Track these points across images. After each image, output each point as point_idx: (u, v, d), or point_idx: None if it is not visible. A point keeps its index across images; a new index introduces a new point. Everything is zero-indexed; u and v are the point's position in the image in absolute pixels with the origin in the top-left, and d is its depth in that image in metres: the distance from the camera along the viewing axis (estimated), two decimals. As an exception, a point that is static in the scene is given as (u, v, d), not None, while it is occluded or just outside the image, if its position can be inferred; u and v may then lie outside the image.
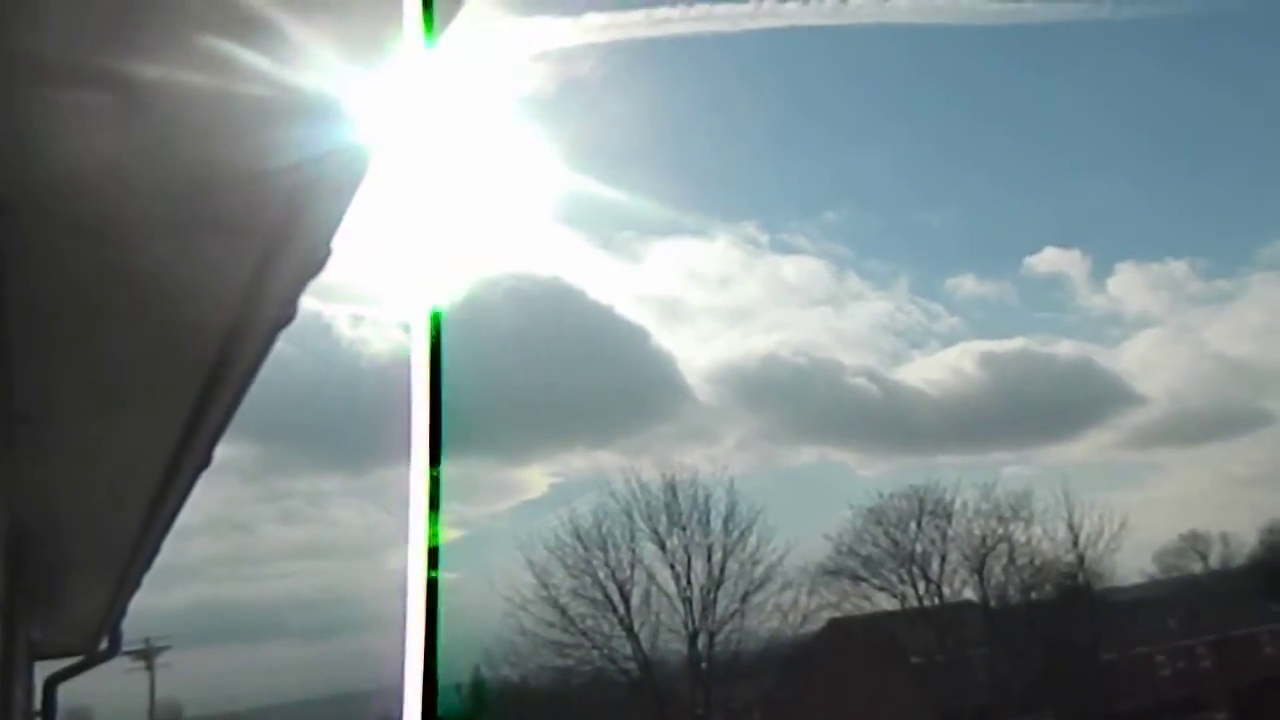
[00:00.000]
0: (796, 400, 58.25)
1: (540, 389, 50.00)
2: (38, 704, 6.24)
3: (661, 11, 54.17)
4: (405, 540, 1.69)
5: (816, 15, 55.72)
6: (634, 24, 56.20)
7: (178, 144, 2.86)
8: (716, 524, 39.65)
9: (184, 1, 2.40)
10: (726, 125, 69.83)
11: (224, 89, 2.61)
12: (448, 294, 1.73)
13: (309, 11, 2.45)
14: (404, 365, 1.66)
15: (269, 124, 2.82)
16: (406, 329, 1.69)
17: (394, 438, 1.73)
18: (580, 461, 65.99)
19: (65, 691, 8.96)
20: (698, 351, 74.75)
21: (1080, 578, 44.93)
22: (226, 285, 3.49)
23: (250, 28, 2.42)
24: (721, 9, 56.45)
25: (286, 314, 3.79)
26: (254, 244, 3.28)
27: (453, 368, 1.70)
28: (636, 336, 59.15)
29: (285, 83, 2.63)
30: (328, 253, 3.47)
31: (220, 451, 4.43)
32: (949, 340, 65.14)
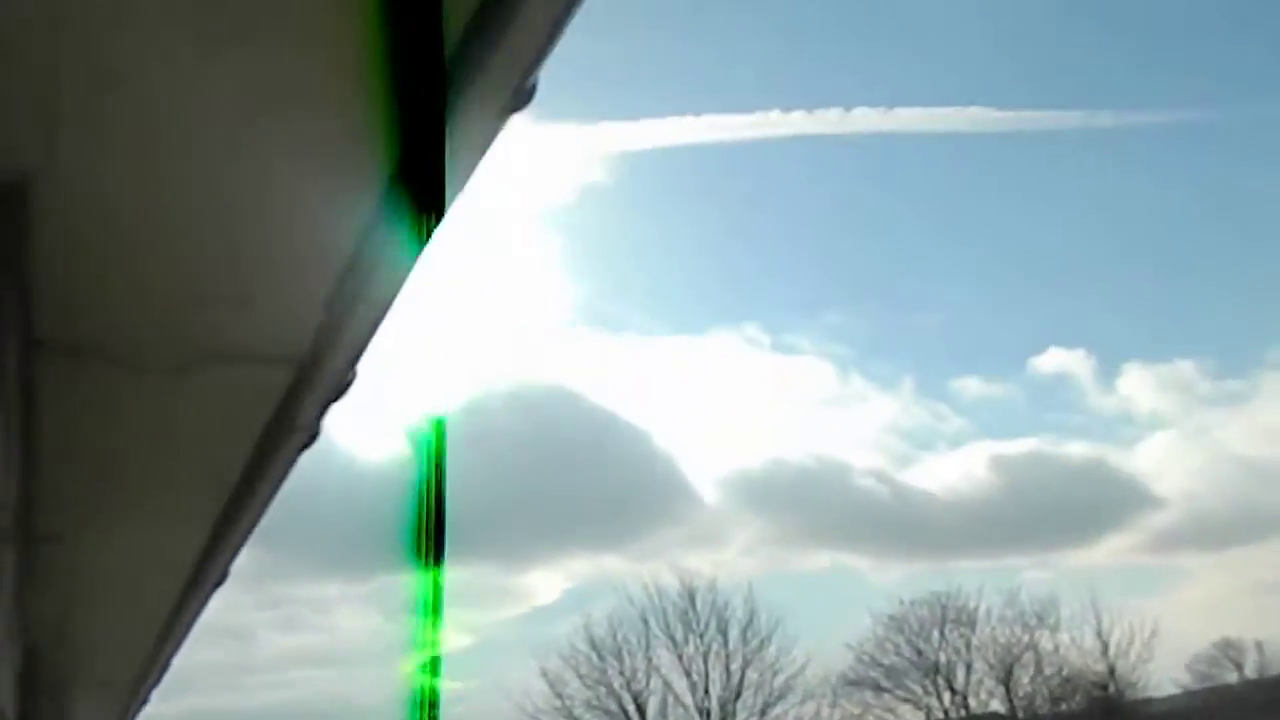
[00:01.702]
0: (805, 503, 57.27)
1: (545, 493, 49.44)
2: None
3: (671, 121, 56.57)
4: (408, 647, 1.74)
5: (821, 125, 57.50)
6: (644, 132, 58.27)
7: (209, 278, 2.93)
8: (735, 632, 38.62)
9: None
10: (730, 230, 70.99)
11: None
12: (450, 400, 1.82)
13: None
14: (406, 470, 1.76)
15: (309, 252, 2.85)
16: (409, 435, 1.79)
17: (396, 544, 1.80)
18: (585, 566, 64.91)
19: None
20: (703, 453, 74.54)
21: (1111, 688, 43.38)
22: (253, 412, 3.57)
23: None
24: (729, 119, 58.88)
25: (310, 436, 3.84)
26: (285, 372, 3.35)
27: (456, 473, 1.79)
28: (640, 440, 58.66)
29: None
30: (354, 376, 3.51)
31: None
32: (957, 442, 64.56)
